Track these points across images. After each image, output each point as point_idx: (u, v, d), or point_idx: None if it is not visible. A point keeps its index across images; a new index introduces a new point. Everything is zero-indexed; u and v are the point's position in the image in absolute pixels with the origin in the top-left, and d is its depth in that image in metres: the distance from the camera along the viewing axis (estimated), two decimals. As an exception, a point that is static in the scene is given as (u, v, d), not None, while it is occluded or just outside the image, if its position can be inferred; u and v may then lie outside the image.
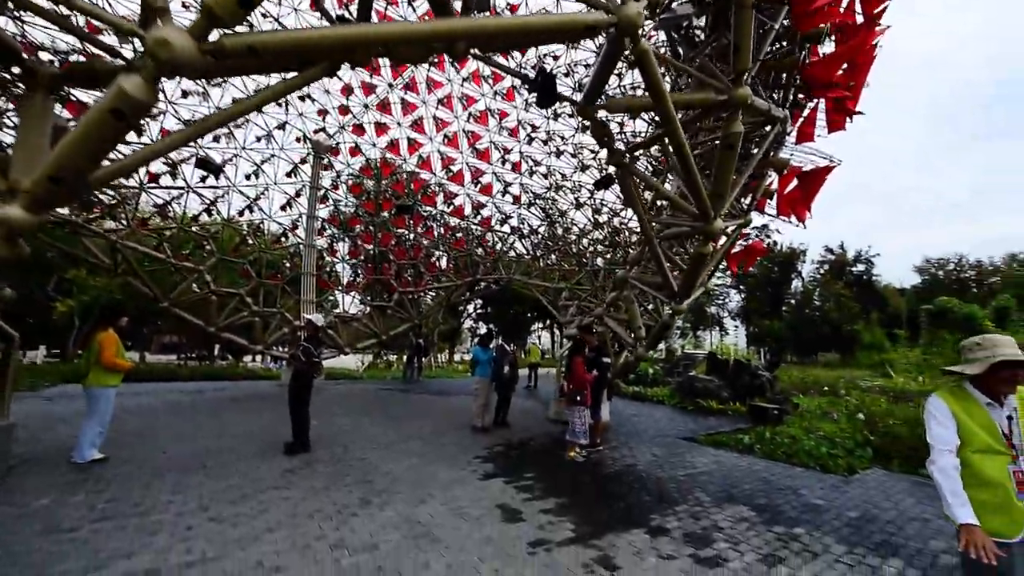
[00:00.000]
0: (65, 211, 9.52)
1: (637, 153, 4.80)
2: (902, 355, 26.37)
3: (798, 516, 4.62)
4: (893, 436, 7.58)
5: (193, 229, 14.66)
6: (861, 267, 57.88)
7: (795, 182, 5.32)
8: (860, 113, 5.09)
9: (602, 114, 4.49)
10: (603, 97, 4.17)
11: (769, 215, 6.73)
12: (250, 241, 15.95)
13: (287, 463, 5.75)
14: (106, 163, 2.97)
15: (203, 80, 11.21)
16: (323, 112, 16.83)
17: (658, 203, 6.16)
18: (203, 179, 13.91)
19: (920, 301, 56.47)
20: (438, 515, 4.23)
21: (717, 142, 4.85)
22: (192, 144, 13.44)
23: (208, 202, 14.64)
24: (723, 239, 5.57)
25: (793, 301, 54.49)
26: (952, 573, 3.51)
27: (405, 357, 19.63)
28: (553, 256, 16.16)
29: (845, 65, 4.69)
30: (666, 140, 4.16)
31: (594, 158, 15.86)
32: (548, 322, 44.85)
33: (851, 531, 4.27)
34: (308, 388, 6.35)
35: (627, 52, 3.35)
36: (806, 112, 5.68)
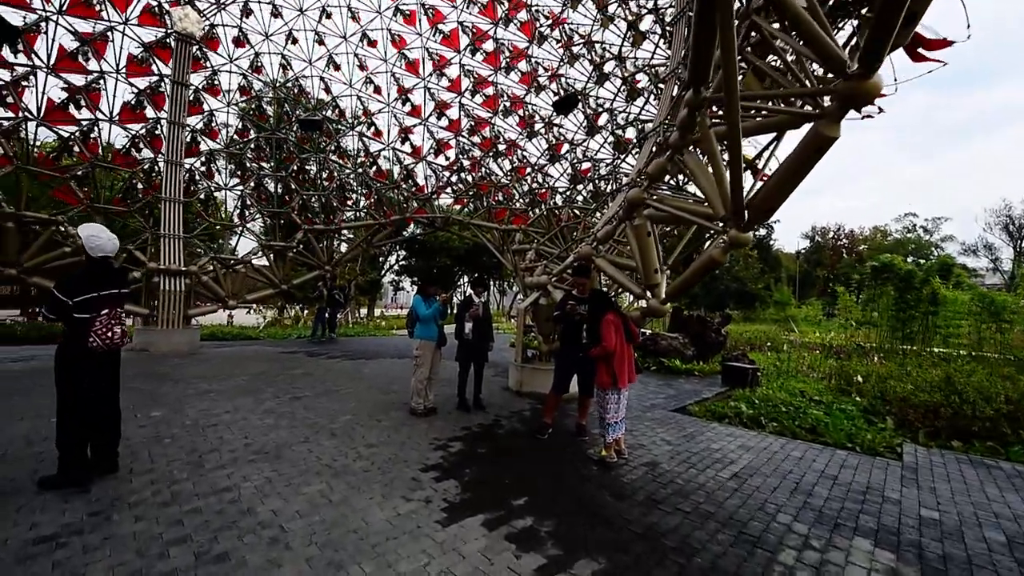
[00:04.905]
0: None
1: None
2: (803, 312, 28.42)
3: (947, 553, 3.01)
4: (911, 404, 6.60)
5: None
6: (763, 231, 62.96)
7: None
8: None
9: None
10: None
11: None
12: (76, 149, 11.23)
13: (58, 514, 2.94)
14: None
15: None
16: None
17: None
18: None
19: (809, 264, 63.45)
20: (374, 660, 1.89)
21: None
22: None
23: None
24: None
25: (706, 261, 57.71)
26: None
27: (316, 311, 16.27)
28: (500, 195, 13.62)
29: None
30: None
31: (550, 77, 13.28)
32: (477, 274, 42.64)
33: (1047, 581, 2.73)
34: (87, 367, 3.29)
35: None
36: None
